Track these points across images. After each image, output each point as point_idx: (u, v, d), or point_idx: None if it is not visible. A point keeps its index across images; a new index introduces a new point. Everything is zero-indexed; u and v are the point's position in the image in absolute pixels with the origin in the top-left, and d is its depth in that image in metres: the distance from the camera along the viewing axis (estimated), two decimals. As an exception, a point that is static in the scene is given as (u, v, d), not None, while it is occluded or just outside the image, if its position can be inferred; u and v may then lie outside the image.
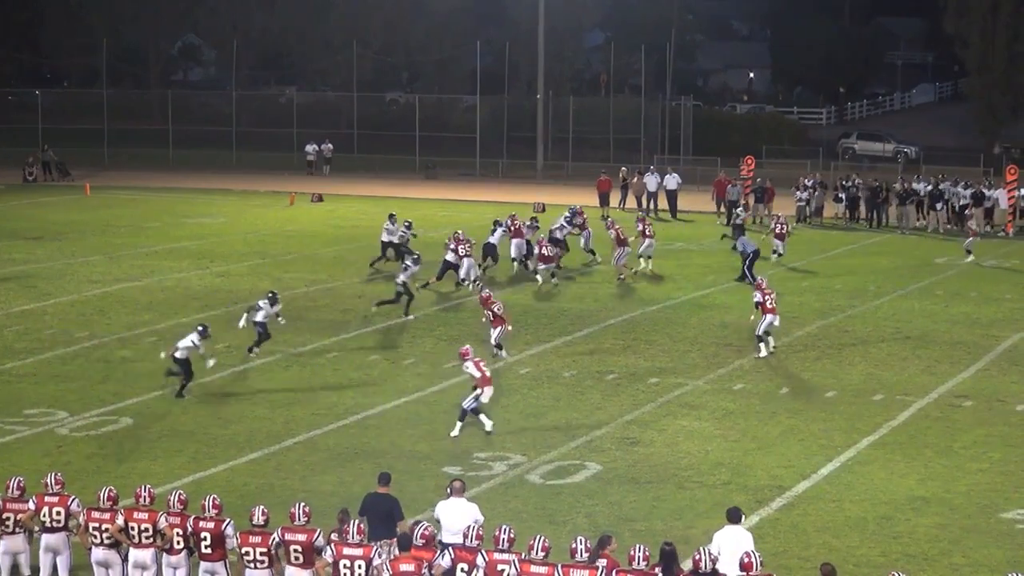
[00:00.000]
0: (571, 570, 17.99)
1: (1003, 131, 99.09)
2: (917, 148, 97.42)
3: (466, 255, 45.81)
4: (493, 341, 35.96)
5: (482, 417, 29.93)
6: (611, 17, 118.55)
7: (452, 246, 46.12)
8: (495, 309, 35.88)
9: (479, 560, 18.50)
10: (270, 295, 36.98)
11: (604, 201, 67.33)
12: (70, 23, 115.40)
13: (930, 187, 65.15)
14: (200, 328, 32.70)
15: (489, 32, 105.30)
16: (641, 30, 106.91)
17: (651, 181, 68.92)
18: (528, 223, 51.04)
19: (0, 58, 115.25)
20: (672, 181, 68.66)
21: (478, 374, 29.77)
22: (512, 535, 18.70)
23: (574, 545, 18.27)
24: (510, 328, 36.42)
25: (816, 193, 66.44)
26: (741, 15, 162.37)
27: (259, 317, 36.28)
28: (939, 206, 63.95)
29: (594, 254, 51.85)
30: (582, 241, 52.02)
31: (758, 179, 67.34)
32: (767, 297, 37.17)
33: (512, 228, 49.88)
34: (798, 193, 66.27)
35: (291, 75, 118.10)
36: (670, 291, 46.86)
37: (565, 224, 51.63)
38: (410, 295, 41.07)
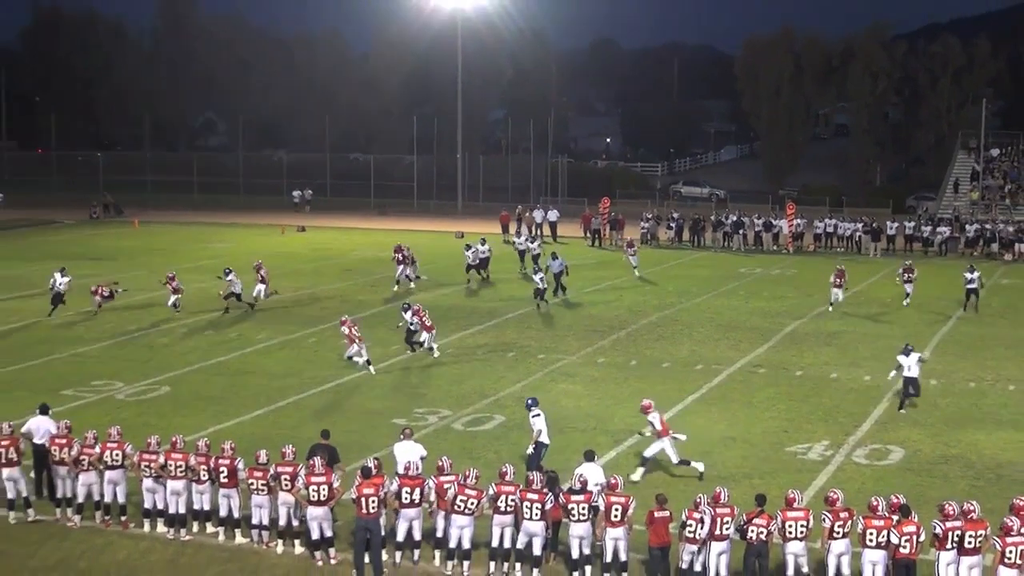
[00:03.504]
0: (499, 486, 18.37)
1: (784, 178, 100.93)
2: (725, 191, 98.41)
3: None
4: (426, 344, 34.31)
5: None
6: (509, 98, 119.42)
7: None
8: (424, 319, 34.23)
9: (430, 483, 18.71)
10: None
11: (505, 229, 67.45)
12: (119, 104, 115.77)
13: (734, 218, 65.78)
14: None
15: (422, 109, 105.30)
16: (530, 108, 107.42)
17: (538, 215, 69.15)
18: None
19: (75, 131, 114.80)
20: (553, 215, 69.05)
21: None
22: (450, 462, 19.12)
23: (503, 469, 18.64)
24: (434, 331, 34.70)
25: (653, 223, 66.92)
26: (600, 97, 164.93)
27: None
28: (741, 232, 64.52)
29: (410, 280, 47.66)
30: (407, 271, 47.36)
31: (613, 213, 67.64)
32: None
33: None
34: (641, 223, 66.71)
35: (282, 141, 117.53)
36: (551, 294, 46.82)
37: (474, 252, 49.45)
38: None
